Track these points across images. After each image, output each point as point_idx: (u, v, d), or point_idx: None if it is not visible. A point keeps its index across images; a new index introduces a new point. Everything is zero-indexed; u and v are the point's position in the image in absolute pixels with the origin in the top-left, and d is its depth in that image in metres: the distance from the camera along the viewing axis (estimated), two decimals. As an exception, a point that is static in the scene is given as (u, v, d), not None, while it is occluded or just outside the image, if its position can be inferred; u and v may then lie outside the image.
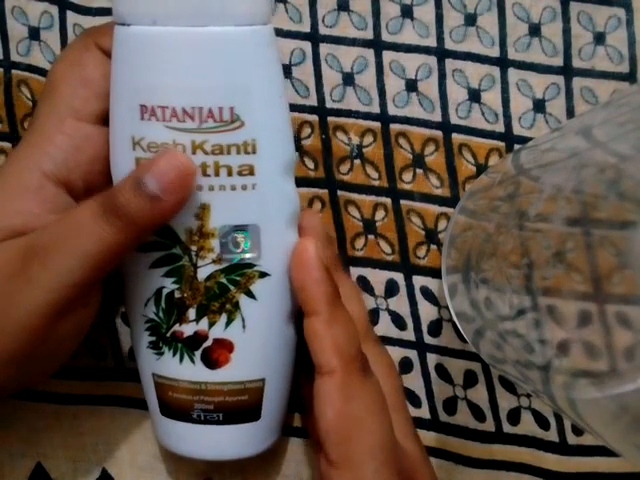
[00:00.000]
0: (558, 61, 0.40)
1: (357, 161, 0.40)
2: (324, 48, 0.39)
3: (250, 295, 0.33)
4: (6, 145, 0.39)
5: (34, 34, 0.39)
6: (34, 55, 0.39)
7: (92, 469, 0.39)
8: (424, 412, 0.40)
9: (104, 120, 0.34)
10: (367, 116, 0.40)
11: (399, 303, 0.40)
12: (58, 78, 0.34)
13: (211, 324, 0.33)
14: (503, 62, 0.40)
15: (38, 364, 0.32)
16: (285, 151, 0.33)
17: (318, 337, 0.32)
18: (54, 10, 0.39)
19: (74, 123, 0.33)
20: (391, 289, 0.40)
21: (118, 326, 0.39)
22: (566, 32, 0.40)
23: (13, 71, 0.39)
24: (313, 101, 0.39)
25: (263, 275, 0.33)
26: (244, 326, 0.33)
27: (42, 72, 0.39)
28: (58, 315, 0.30)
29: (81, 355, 0.39)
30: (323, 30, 0.39)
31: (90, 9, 0.39)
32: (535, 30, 0.40)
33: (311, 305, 0.32)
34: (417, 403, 0.40)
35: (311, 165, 0.40)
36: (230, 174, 0.32)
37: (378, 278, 0.40)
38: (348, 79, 0.40)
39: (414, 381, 0.40)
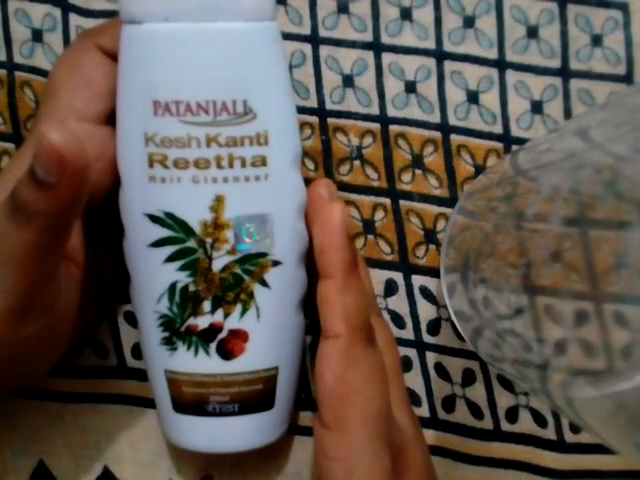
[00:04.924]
0: (556, 63, 0.40)
1: (357, 162, 0.40)
2: (324, 50, 0.40)
3: (264, 284, 0.34)
4: (9, 146, 0.39)
5: (37, 36, 0.39)
6: (37, 57, 0.39)
7: (94, 466, 0.39)
8: (423, 410, 0.40)
9: (105, 119, 0.34)
10: (367, 117, 0.40)
11: (398, 302, 0.40)
12: (58, 80, 0.34)
13: (226, 315, 0.34)
14: (501, 64, 0.40)
15: (15, 367, 0.32)
16: (294, 142, 0.34)
17: (329, 301, 0.32)
18: (57, 12, 0.39)
19: (75, 123, 0.33)
20: (390, 288, 0.40)
21: (120, 324, 0.39)
22: (564, 34, 0.40)
23: (16, 73, 0.39)
24: (313, 103, 0.40)
25: (276, 264, 0.34)
26: (258, 315, 0.34)
27: (45, 74, 0.39)
28: (9, 321, 0.30)
29: (83, 353, 0.39)
30: (323, 32, 0.40)
31: (92, 11, 0.39)
32: (533, 32, 0.40)
33: (328, 269, 0.32)
34: (417, 401, 0.40)
35: (311, 166, 0.40)
36: (244, 165, 0.32)
37: (377, 278, 0.40)
38: (348, 81, 0.40)
39: (414, 379, 0.40)
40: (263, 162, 0.33)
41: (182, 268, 0.33)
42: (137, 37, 0.32)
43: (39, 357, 0.33)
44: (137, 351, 0.39)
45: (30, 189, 0.28)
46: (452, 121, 0.40)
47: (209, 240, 0.33)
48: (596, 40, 0.40)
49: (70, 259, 0.33)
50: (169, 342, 0.34)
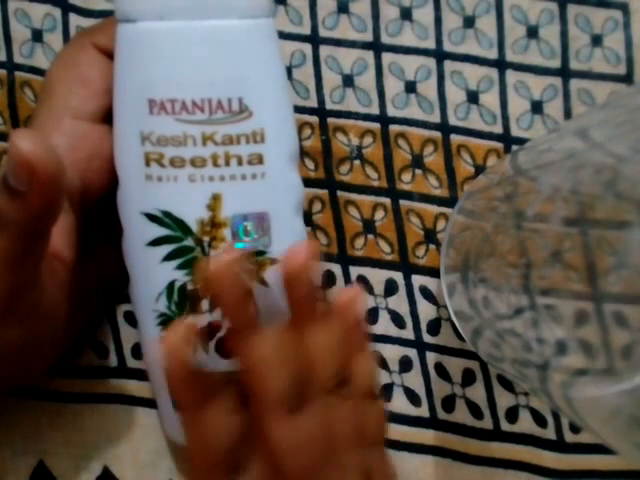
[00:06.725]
0: (556, 63, 0.40)
1: (357, 162, 0.40)
2: (324, 50, 0.40)
3: (262, 282, 0.34)
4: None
5: (37, 36, 0.39)
6: (37, 57, 0.39)
7: (94, 466, 0.39)
8: (423, 410, 0.40)
9: (102, 118, 0.34)
10: (367, 117, 0.40)
11: (398, 302, 0.40)
12: (54, 79, 0.34)
13: None
14: (501, 64, 0.40)
15: (2, 369, 0.32)
16: (290, 139, 0.34)
17: None
18: (57, 12, 0.39)
19: (71, 122, 0.33)
20: (390, 288, 0.40)
21: (120, 324, 0.39)
22: (564, 34, 0.40)
23: (16, 73, 0.39)
24: (313, 102, 0.40)
25: (274, 262, 0.34)
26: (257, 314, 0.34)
27: (45, 74, 0.39)
28: None
29: (83, 353, 0.39)
30: (323, 32, 0.40)
31: (92, 11, 0.39)
32: (533, 32, 0.40)
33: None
34: (417, 402, 0.40)
35: (311, 166, 0.40)
36: (240, 163, 0.32)
37: (377, 277, 0.40)
38: (348, 81, 0.40)
39: (414, 379, 0.40)
40: (260, 160, 0.33)
41: (180, 267, 0.33)
42: (132, 36, 0.32)
43: (27, 359, 0.33)
44: (137, 351, 0.39)
45: (2, 197, 0.27)
46: (452, 121, 0.40)
47: (206, 239, 0.33)
48: (596, 40, 0.40)
49: (57, 259, 0.33)
50: None
